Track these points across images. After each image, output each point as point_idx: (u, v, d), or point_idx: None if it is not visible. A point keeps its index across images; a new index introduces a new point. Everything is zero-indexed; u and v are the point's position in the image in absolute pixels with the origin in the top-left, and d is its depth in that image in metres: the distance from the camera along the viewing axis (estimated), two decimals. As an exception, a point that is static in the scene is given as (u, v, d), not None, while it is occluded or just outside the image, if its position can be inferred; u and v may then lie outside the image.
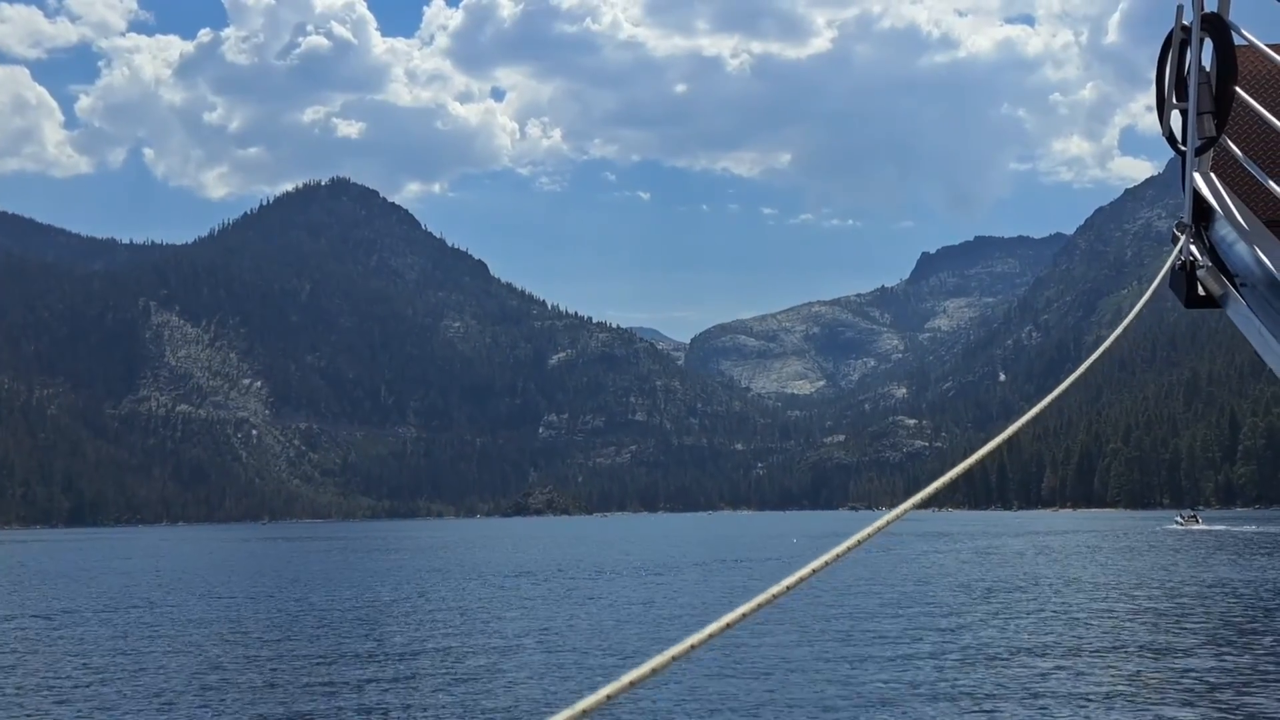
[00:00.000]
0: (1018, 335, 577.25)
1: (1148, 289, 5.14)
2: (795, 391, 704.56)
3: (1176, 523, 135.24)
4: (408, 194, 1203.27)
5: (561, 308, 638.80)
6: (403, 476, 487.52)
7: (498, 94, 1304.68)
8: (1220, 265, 5.43)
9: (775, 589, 3.18)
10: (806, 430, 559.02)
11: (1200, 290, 5.49)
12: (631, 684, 2.75)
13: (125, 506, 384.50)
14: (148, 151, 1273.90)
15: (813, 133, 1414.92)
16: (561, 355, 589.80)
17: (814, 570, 3.27)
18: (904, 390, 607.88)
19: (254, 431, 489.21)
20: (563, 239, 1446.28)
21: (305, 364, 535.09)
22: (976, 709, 23.34)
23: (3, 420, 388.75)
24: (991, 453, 4.28)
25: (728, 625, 3.01)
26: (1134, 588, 51.72)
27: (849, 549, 3.44)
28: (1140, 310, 5.41)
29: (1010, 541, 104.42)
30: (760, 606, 3.12)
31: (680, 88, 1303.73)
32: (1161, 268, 5.68)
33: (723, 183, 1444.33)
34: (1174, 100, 5.68)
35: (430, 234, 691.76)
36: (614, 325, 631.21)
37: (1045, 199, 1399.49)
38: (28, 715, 25.07)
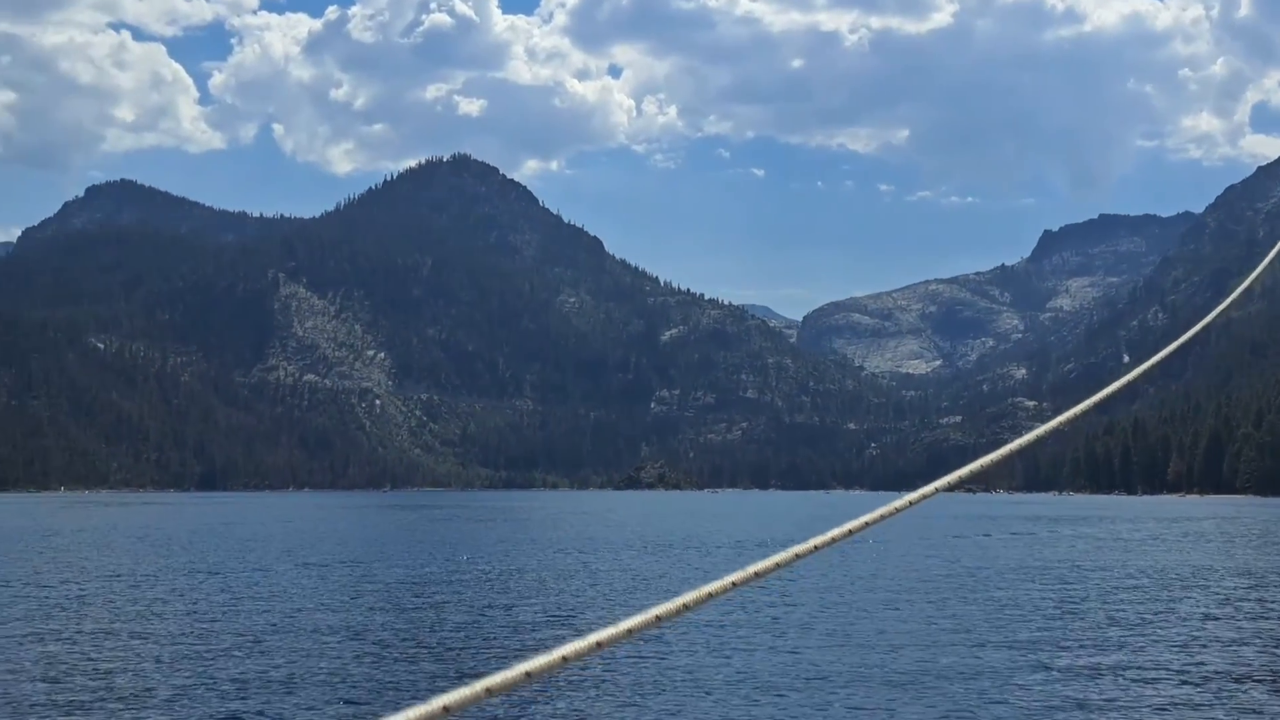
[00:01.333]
0: (1143, 316, 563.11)
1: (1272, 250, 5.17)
2: (911, 371, 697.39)
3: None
4: (526, 171, 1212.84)
5: (674, 284, 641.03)
6: (519, 448, 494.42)
7: (615, 71, 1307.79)
8: None
9: (775, 559, 3.30)
10: (922, 410, 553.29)
11: None
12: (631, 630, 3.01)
13: (253, 472, 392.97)
14: (277, 127, 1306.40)
15: (932, 108, 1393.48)
16: (674, 331, 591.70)
17: (818, 545, 3.40)
18: (1024, 371, 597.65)
19: (377, 402, 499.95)
20: (677, 216, 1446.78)
21: (426, 336, 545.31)
22: (1128, 691, 24.07)
23: (138, 387, 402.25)
24: (1075, 419, 4.41)
25: (708, 595, 3.15)
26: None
27: (857, 528, 3.57)
28: (1264, 269, 5.18)
29: (1150, 527, 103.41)
30: (759, 575, 3.22)
31: (797, 63, 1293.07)
32: None
33: (838, 159, 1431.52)
34: None
35: (547, 210, 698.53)
36: (726, 302, 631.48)
37: (1173, 177, 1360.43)
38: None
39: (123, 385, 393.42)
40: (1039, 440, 4.39)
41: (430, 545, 72.18)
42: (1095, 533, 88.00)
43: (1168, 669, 26.25)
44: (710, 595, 3.23)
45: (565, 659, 2.85)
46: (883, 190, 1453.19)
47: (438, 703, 2.75)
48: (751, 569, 3.33)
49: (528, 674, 2.78)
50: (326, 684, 24.36)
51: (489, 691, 2.83)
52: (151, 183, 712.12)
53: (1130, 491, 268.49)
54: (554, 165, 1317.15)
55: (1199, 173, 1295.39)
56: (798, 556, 3.48)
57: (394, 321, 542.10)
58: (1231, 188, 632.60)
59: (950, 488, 3.87)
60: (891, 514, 3.79)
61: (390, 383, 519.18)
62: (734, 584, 3.29)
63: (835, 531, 3.65)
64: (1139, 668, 26.10)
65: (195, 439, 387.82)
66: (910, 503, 3.86)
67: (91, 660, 27.09)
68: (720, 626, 31.52)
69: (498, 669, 2.84)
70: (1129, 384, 4.83)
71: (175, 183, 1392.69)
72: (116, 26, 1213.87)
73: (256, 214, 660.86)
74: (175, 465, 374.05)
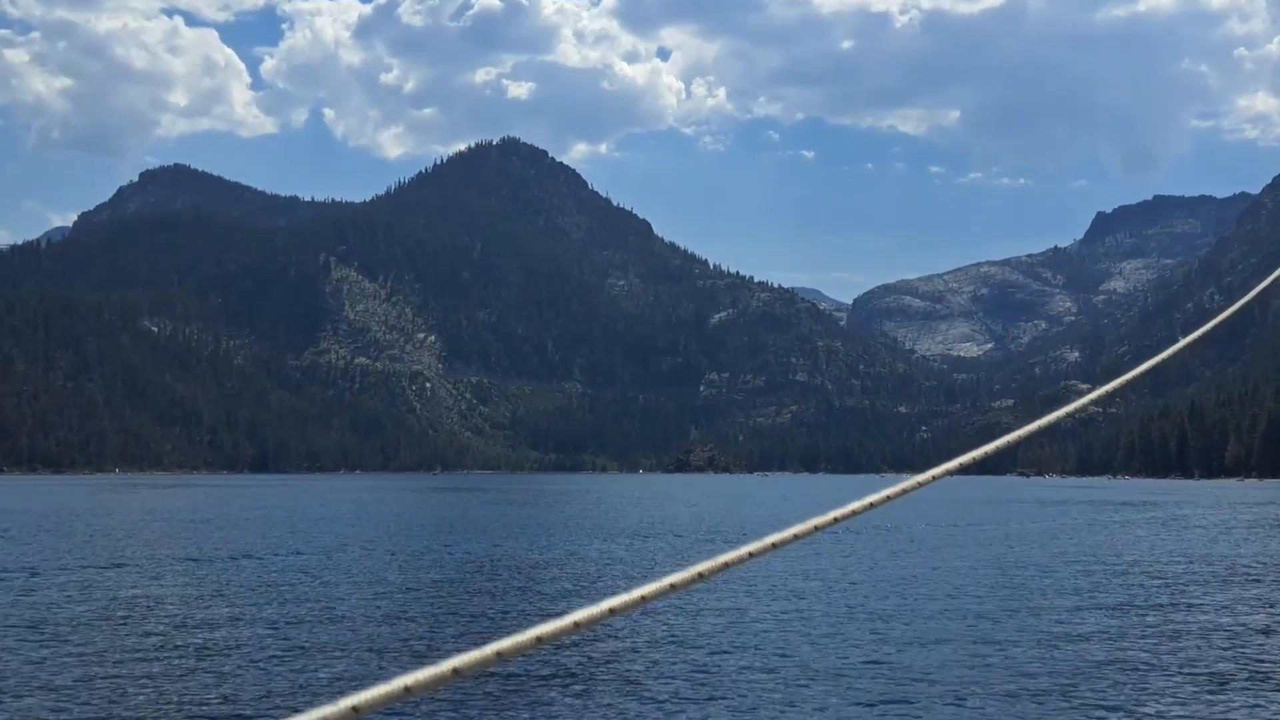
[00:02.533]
0: (1199, 298, 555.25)
1: None
2: (962, 354, 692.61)
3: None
4: (575, 154, 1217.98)
5: (723, 267, 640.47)
6: (568, 431, 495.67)
7: (663, 53, 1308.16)
8: None
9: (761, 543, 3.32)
10: (973, 394, 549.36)
11: None
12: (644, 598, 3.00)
13: (305, 455, 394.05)
14: (328, 112, 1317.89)
15: (983, 89, 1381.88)
16: (723, 314, 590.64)
17: (799, 533, 3.40)
18: (1077, 354, 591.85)
19: (428, 384, 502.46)
20: (726, 198, 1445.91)
21: (476, 320, 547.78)
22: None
23: (192, 370, 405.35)
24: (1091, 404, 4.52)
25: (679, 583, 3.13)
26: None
27: (878, 502, 3.62)
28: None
29: (1226, 512, 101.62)
30: (741, 560, 3.24)
31: (847, 44, 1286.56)
32: None
33: (888, 141, 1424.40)
34: None
35: (596, 194, 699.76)
36: (775, 285, 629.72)
37: (1228, 157, 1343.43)
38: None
39: (176, 368, 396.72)
40: (1063, 419, 4.44)
41: (486, 528, 72.19)
42: (1170, 516, 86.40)
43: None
44: (726, 565, 3.24)
45: (577, 624, 2.85)
46: (933, 172, 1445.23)
47: (448, 665, 2.79)
48: (769, 539, 3.38)
49: (538, 639, 2.80)
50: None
51: (499, 655, 2.82)
52: (204, 167, 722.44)
53: (1187, 475, 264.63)
54: (603, 148, 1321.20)
55: (1255, 153, 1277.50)
56: (817, 529, 3.53)
57: (444, 305, 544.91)
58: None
59: (975, 462, 3.93)
60: (914, 488, 3.90)
61: (440, 366, 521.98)
62: (750, 554, 3.32)
63: (855, 504, 3.71)
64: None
65: (248, 422, 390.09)
66: (934, 477, 3.98)
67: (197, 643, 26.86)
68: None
69: (508, 633, 2.81)
70: (1150, 370, 4.93)
71: (228, 167, 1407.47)
72: (170, 12, 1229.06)
73: (308, 198, 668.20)
74: (228, 448, 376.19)
